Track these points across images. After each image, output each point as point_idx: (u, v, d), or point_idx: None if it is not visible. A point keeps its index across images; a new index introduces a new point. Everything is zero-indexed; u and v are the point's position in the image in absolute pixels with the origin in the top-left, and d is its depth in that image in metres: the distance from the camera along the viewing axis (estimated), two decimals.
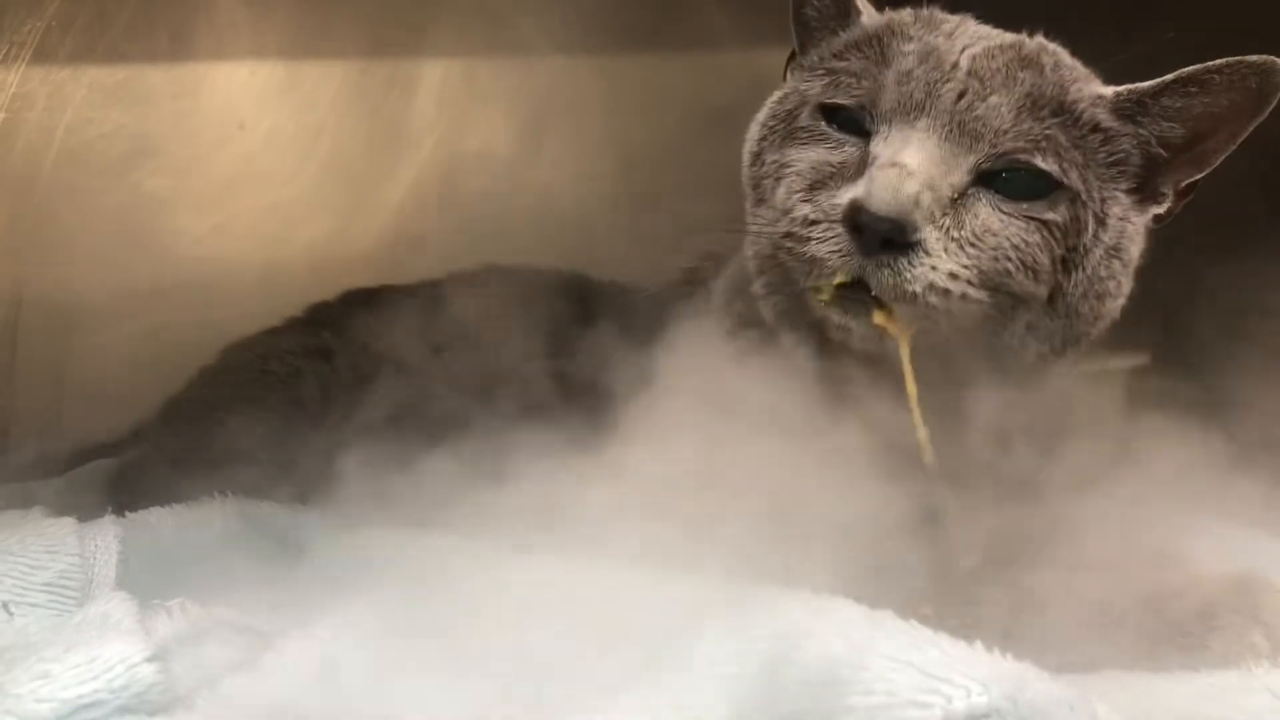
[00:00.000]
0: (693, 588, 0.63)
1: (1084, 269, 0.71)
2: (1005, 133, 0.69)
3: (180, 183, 1.34)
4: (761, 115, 0.79)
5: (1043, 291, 0.70)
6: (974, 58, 0.71)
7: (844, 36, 0.77)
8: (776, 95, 0.79)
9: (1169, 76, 0.72)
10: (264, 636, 0.69)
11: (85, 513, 0.81)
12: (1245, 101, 0.70)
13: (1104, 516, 0.86)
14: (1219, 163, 0.75)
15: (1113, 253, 0.72)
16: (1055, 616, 0.65)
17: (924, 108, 0.69)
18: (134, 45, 1.31)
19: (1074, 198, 0.70)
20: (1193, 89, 0.71)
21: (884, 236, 0.65)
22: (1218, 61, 0.70)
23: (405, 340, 0.91)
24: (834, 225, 0.67)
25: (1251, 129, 0.72)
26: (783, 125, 0.76)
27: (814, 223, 0.68)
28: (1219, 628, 0.63)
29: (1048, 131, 0.69)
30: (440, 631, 0.67)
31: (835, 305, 0.69)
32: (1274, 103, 0.71)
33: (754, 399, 0.74)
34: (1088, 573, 0.70)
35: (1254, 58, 0.70)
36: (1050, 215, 0.69)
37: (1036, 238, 0.69)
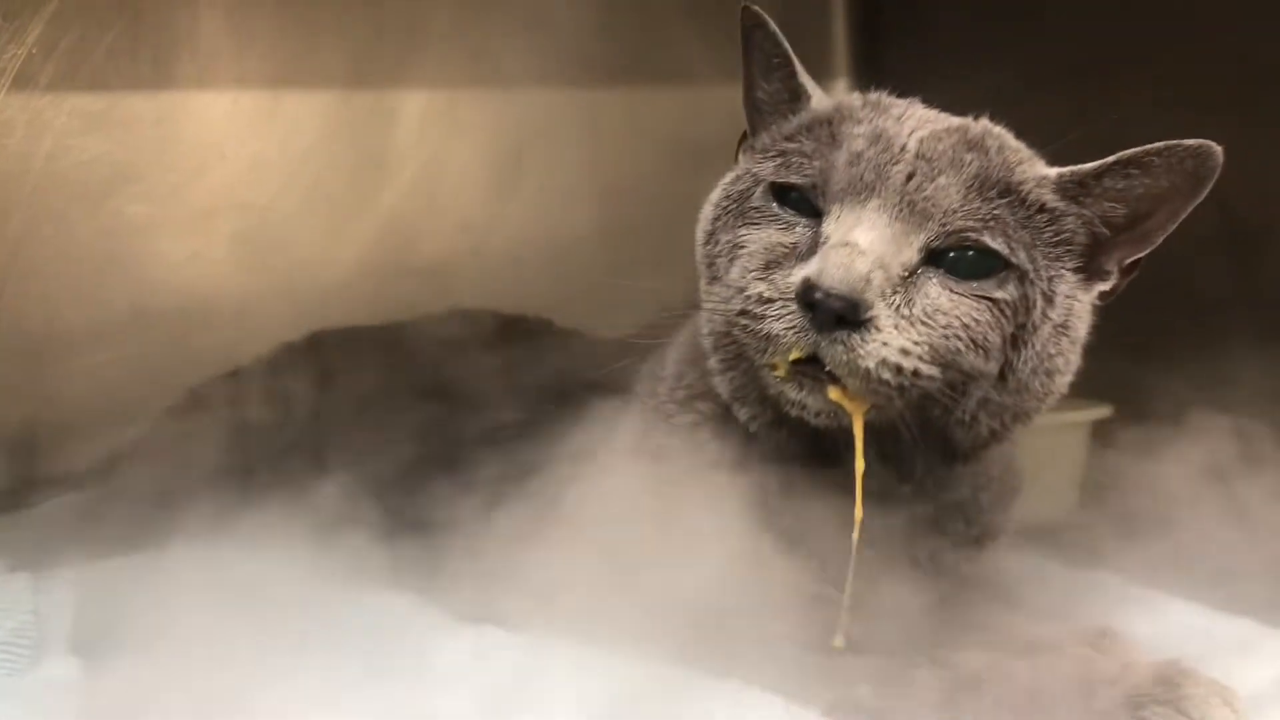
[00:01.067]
0: (627, 670, 0.65)
1: (1033, 346, 0.72)
2: (954, 212, 0.69)
3: (161, 210, 1.34)
4: (714, 196, 0.79)
5: (993, 368, 0.71)
6: (921, 140, 0.72)
7: (795, 120, 0.77)
8: (729, 176, 0.79)
9: (1110, 159, 0.73)
10: (219, 693, 0.70)
11: (49, 551, 0.82)
12: (1183, 184, 0.71)
13: (1047, 583, 0.87)
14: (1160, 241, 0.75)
15: (1061, 330, 0.73)
16: (988, 701, 0.66)
17: (874, 188, 0.70)
18: (116, 72, 1.31)
19: (1022, 276, 0.71)
20: (1133, 170, 0.72)
21: (837, 314, 0.66)
22: (1156, 145, 0.71)
23: (364, 386, 0.92)
24: (789, 303, 0.68)
25: (1190, 209, 0.73)
26: (735, 205, 0.76)
27: (769, 300, 0.69)
28: (1144, 719, 0.64)
29: (995, 211, 0.70)
30: (398, 696, 0.68)
31: (791, 382, 0.70)
32: (1210, 185, 0.71)
33: (699, 473, 0.76)
34: (1023, 654, 0.70)
35: (1190, 141, 0.70)
36: (999, 294, 0.70)
37: (986, 316, 0.70)
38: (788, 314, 0.68)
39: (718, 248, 0.76)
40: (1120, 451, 1.12)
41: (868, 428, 0.70)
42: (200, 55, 1.35)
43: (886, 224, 0.69)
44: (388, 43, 1.40)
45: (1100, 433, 1.17)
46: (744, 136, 0.81)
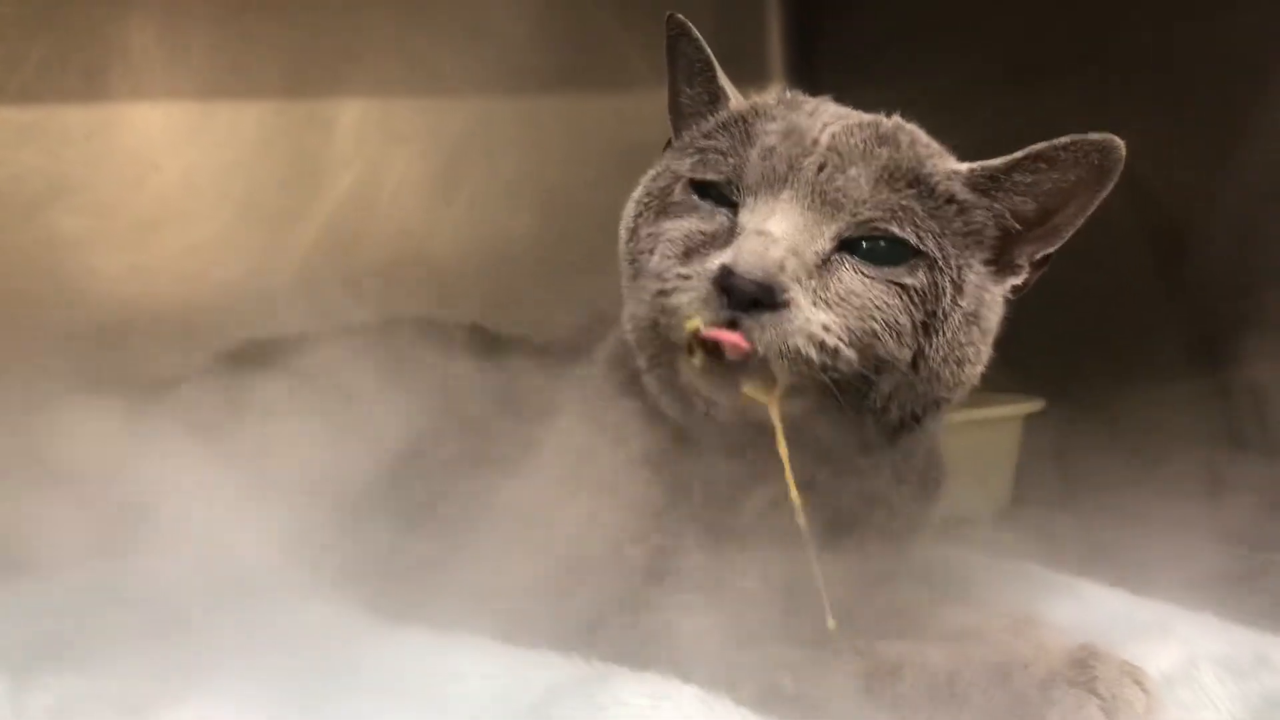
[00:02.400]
0: (552, 668, 0.65)
1: (943, 334, 0.73)
2: (864, 202, 0.71)
3: (95, 223, 1.34)
4: (637, 193, 0.81)
5: (906, 355, 0.72)
6: (834, 134, 0.74)
7: (713, 119, 0.79)
8: (650, 174, 0.81)
9: (1019, 154, 0.74)
10: (140, 709, 0.69)
11: None
12: (1090, 177, 0.73)
13: (972, 574, 0.88)
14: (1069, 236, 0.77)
15: (971, 319, 0.75)
16: (907, 687, 0.67)
17: (786, 180, 0.72)
18: (46, 85, 1.31)
19: (931, 264, 0.72)
20: (1041, 165, 0.74)
21: (752, 297, 0.67)
22: (1063, 139, 0.73)
23: (295, 396, 0.91)
24: (704, 284, 0.69)
25: (1096, 204, 0.75)
26: (656, 201, 0.78)
27: (686, 278, 0.70)
28: (1057, 701, 0.65)
29: (904, 202, 0.72)
30: (316, 706, 0.68)
31: (703, 376, 0.70)
32: (1115, 178, 0.73)
33: (627, 467, 0.76)
34: (944, 641, 0.72)
35: (1095, 135, 0.72)
36: (909, 280, 0.72)
37: (897, 300, 0.71)
38: (697, 287, 0.69)
39: (640, 243, 0.77)
40: (1048, 443, 1.15)
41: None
42: (132, 67, 1.34)
43: (799, 213, 0.71)
44: (323, 52, 1.40)
45: (1031, 426, 1.19)
46: (669, 143, 0.83)
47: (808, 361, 0.68)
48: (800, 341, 0.68)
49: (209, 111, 1.38)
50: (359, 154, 1.42)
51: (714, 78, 0.80)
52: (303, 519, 0.79)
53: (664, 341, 0.74)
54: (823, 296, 0.69)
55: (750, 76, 1.64)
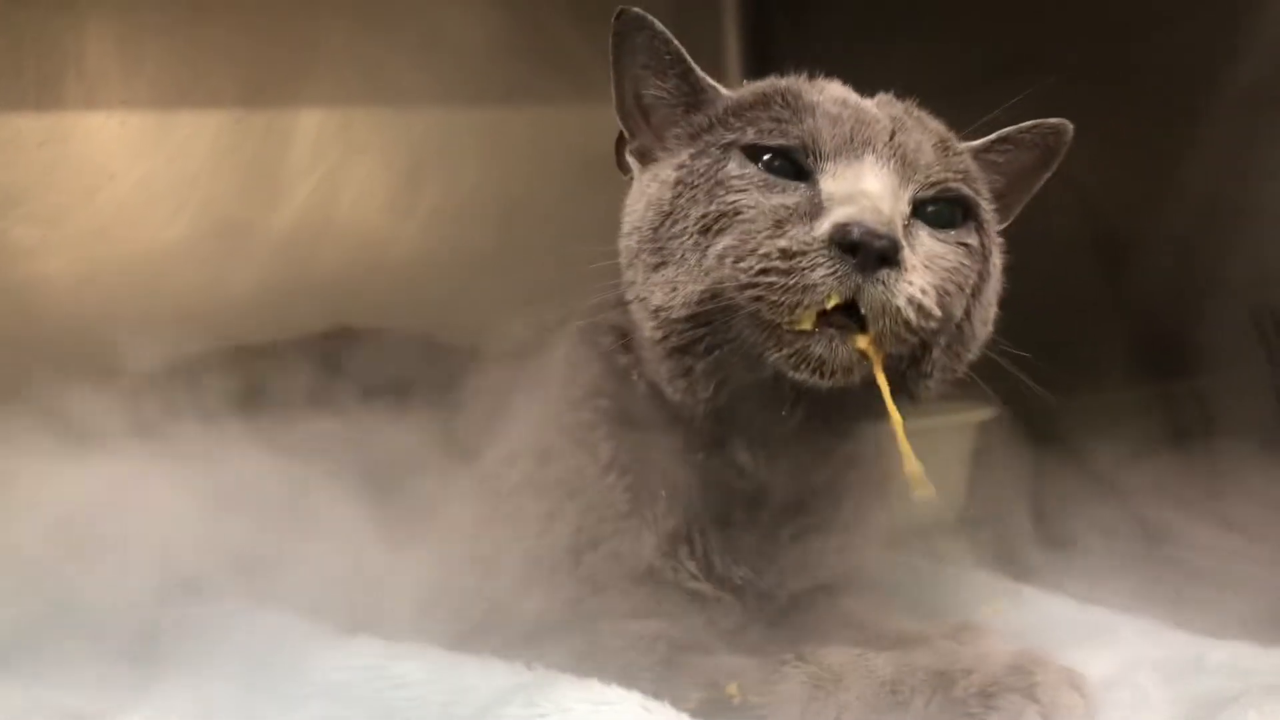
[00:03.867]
0: (496, 675, 0.66)
1: (984, 295, 0.76)
2: (933, 165, 0.73)
3: (49, 232, 1.33)
4: (664, 178, 0.75)
5: (960, 315, 0.73)
6: (879, 104, 0.76)
7: (726, 102, 0.77)
8: (671, 164, 0.75)
9: (993, 136, 0.79)
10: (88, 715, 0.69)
11: None
12: (1041, 158, 0.80)
13: (921, 580, 0.89)
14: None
15: (997, 280, 0.78)
16: (851, 695, 0.68)
17: (867, 144, 0.71)
18: None
19: (980, 225, 0.75)
20: (1009, 146, 0.79)
21: (880, 253, 0.66)
22: (1027, 124, 0.79)
23: (248, 403, 0.91)
24: (821, 252, 0.66)
25: (1041, 183, 0.81)
26: (703, 180, 0.73)
27: (795, 254, 0.67)
28: (998, 707, 0.66)
29: (961, 165, 0.75)
30: (262, 713, 0.68)
31: (818, 337, 0.68)
32: (1059, 159, 0.80)
33: (591, 472, 0.77)
34: (888, 649, 0.72)
35: (1053, 120, 0.78)
36: (970, 240, 0.74)
37: (965, 260, 0.73)
38: (824, 261, 0.66)
39: (679, 226, 0.72)
40: (1000, 450, 1.16)
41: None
42: (87, 76, 1.34)
43: (887, 175, 0.71)
44: (279, 62, 1.40)
45: (984, 433, 1.21)
46: (620, 139, 0.81)
47: (907, 324, 0.68)
48: (903, 303, 0.67)
49: (165, 121, 1.37)
50: (317, 164, 1.42)
51: (690, 69, 0.78)
52: (246, 528, 0.78)
53: (730, 321, 0.70)
54: (916, 259, 0.69)
55: (707, 72, 1.63)
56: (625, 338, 0.78)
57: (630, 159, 0.81)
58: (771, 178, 0.71)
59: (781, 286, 0.66)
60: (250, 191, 1.40)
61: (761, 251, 0.67)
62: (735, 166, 0.72)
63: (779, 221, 0.69)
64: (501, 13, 1.47)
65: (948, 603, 0.86)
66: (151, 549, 0.78)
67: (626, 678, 0.64)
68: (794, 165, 0.72)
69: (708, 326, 0.71)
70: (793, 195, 0.70)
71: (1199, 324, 1.09)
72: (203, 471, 0.80)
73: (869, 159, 0.71)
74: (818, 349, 0.68)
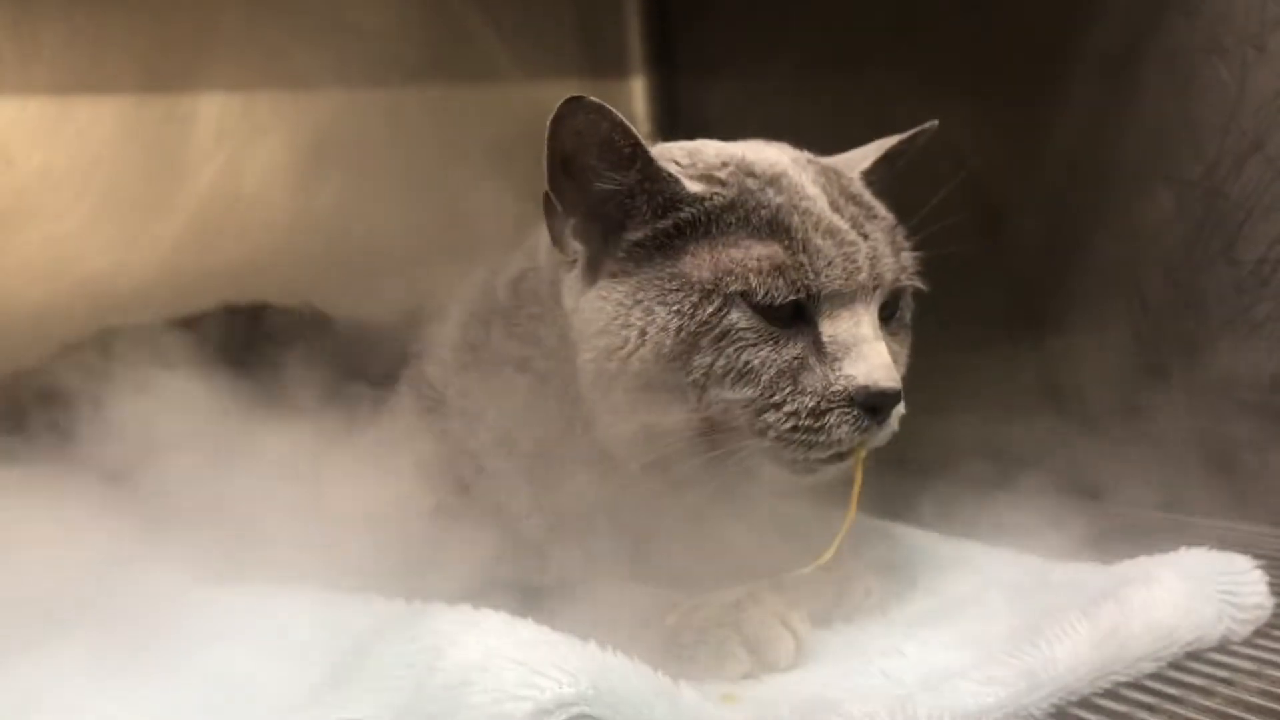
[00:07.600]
0: (373, 610, 0.69)
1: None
2: (890, 272, 0.76)
3: None
4: (663, 325, 0.73)
5: None
6: (852, 217, 0.76)
7: (693, 203, 0.75)
8: (670, 310, 0.73)
9: (880, 153, 0.84)
10: None
11: None
12: (909, 154, 0.86)
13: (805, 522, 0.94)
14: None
15: None
16: (626, 633, 0.68)
17: (853, 284, 0.74)
18: None
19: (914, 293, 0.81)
20: (890, 156, 0.85)
21: (893, 405, 0.73)
22: (908, 134, 0.84)
23: (133, 379, 0.92)
24: (845, 409, 0.72)
25: None
26: (707, 329, 0.72)
27: (823, 412, 0.71)
28: (706, 641, 0.71)
29: (908, 256, 0.79)
30: (137, 653, 0.70)
31: (830, 465, 0.75)
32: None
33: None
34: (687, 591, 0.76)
35: (925, 125, 0.84)
36: (908, 316, 0.81)
37: (908, 340, 0.82)
38: (849, 418, 0.72)
39: (694, 372, 0.72)
40: None
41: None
42: None
43: (872, 312, 0.75)
44: (178, 46, 1.40)
45: None
46: (547, 197, 0.75)
47: (893, 432, 0.75)
48: (896, 425, 0.75)
49: (64, 106, 1.37)
50: (220, 147, 1.43)
51: (651, 160, 0.73)
52: (129, 501, 0.80)
53: (718, 447, 0.73)
54: None
55: (612, 72, 1.72)
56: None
57: (573, 241, 0.77)
58: (777, 330, 0.73)
59: (807, 443, 0.72)
60: (153, 176, 1.41)
61: (788, 410, 0.72)
62: (739, 317, 0.72)
63: (794, 375, 0.72)
64: None
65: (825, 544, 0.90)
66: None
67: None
68: (795, 307, 0.73)
69: (697, 441, 0.74)
70: (798, 343, 0.73)
71: (1065, 283, 1.15)
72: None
73: (859, 301, 0.74)
74: (823, 467, 0.75)
